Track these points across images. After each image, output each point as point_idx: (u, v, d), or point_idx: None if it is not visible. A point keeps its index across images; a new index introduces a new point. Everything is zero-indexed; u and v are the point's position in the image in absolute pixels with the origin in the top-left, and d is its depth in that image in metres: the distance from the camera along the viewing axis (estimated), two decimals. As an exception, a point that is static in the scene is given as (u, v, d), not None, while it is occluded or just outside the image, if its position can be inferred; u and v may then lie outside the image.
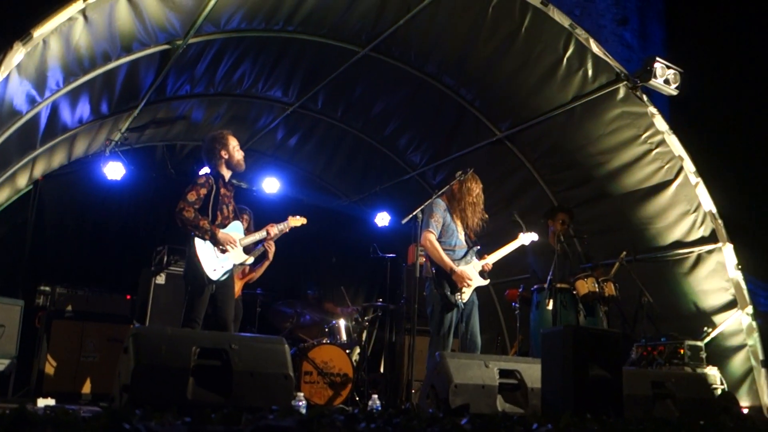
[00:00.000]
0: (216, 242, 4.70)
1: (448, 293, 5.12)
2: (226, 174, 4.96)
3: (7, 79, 4.04)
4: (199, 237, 4.68)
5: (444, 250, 5.21)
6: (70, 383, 6.43)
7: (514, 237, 5.66)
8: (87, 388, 6.49)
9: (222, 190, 4.88)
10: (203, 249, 4.69)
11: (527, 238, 5.67)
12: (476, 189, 5.36)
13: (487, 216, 5.41)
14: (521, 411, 4.09)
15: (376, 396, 4.78)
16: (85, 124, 6.52)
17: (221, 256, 4.73)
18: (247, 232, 6.02)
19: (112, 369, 6.40)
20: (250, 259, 5.06)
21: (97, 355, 6.60)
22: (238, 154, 4.98)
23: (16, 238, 7.64)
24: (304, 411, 3.88)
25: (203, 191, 4.77)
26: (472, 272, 5.24)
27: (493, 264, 5.41)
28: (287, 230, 5.26)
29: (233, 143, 4.98)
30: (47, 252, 7.71)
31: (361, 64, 6.84)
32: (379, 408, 4.57)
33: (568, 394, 3.60)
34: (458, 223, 5.35)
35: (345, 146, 8.78)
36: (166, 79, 6.58)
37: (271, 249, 5.86)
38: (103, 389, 6.48)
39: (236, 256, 4.84)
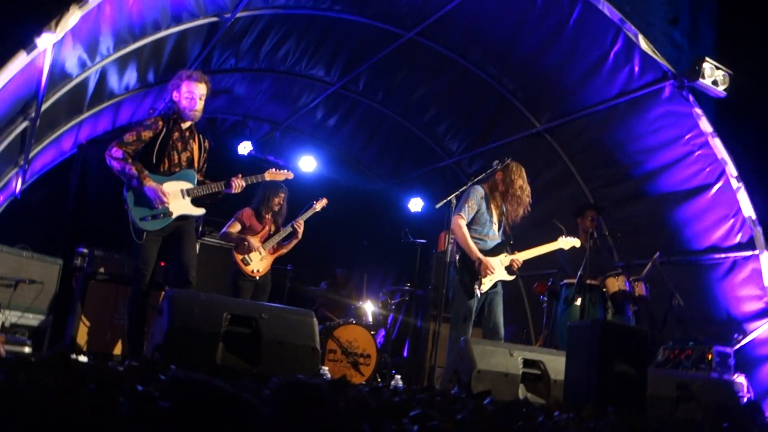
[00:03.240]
0: (141, 191, 4.33)
1: (467, 281, 4.97)
2: (185, 121, 4.57)
3: (62, 41, 4.15)
4: (126, 182, 4.38)
5: (474, 238, 5.05)
6: (102, 343, 6.58)
7: (552, 238, 5.44)
8: (118, 349, 6.65)
9: (175, 134, 4.51)
10: (135, 196, 4.39)
11: (567, 243, 5.44)
12: (519, 181, 5.12)
13: (530, 209, 5.21)
14: (542, 401, 4.11)
15: (399, 377, 4.83)
16: (131, 91, 6.65)
17: (156, 207, 4.39)
18: (279, 211, 6.08)
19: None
20: (200, 211, 4.62)
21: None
22: (186, 101, 4.49)
23: (58, 200, 7.85)
24: (328, 384, 3.94)
25: (147, 133, 4.42)
26: (498, 265, 5.03)
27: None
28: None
29: (187, 88, 4.50)
30: (88, 214, 7.90)
31: (405, 48, 6.85)
32: (402, 387, 4.62)
33: (591, 388, 3.60)
34: (495, 213, 5.17)
35: (383, 129, 8.81)
36: (212, 52, 6.67)
37: (300, 228, 5.92)
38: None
39: (180, 206, 4.48)
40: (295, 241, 6.16)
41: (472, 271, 4.98)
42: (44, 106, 4.97)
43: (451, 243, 5.31)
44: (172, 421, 1.30)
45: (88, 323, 6.57)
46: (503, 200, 5.16)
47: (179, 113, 4.52)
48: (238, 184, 4.69)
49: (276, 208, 6.12)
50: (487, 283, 4.98)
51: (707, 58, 5.53)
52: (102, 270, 6.73)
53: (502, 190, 5.15)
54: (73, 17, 4.06)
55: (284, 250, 6.31)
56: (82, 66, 5.21)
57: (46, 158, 6.99)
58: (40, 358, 2.11)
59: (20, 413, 1.24)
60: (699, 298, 6.45)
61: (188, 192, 4.52)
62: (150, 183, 4.34)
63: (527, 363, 4.25)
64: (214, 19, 5.76)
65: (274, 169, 5.19)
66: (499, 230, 5.22)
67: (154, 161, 4.43)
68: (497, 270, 5.03)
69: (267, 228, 6.11)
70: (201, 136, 4.77)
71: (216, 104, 8.37)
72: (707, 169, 6.22)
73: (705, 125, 6.01)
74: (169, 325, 3.48)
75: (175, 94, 4.51)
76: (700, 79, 5.55)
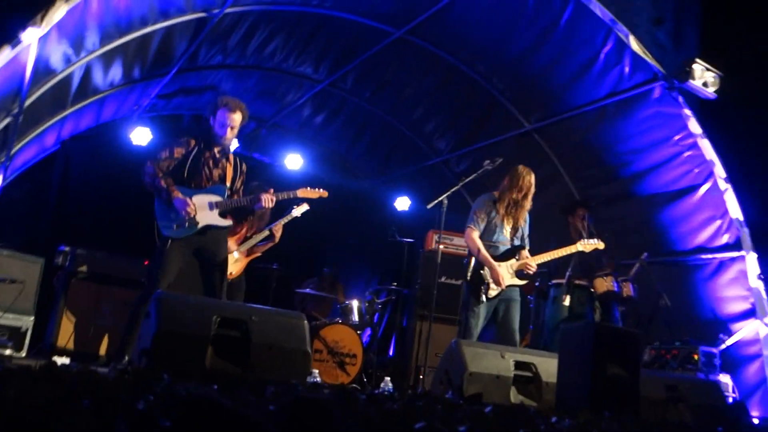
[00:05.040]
0: (170, 203, 4.52)
1: (476, 286, 5.03)
2: (214, 142, 4.71)
3: (47, 35, 4.05)
4: (156, 195, 4.58)
5: (486, 245, 5.09)
6: (84, 344, 6.48)
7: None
8: (101, 350, 6.55)
9: (206, 153, 4.69)
10: (162, 207, 4.58)
11: (588, 245, 5.34)
12: (525, 184, 5.14)
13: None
14: (534, 404, 4.09)
15: (388, 378, 4.79)
16: (115, 87, 6.54)
17: (183, 216, 4.54)
18: (263, 215, 5.98)
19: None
20: (226, 222, 4.73)
21: (111, 318, 6.63)
22: (218, 128, 4.66)
23: (40, 197, 7.71)
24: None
25: (179, 150, 4.63)
26: (506, 271, 5.07)
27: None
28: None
29: (221, 116, 4.66)
30: (70, 212, 7.78)
31: (395, 47, 6.81)
32: (392, 390, 4.58)
33: (584, 391, 3.58)
34: (506, 218, 5.18)
35: (371, 128, 8.76)
36: (200, 48, 6.59)
37: (278, 233, 5.85)
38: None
39: (206, 217, 4.61)
40: (270, 245, 6.07)
41: (481, 277, 5.01)
42: (27, 102, 4.87)
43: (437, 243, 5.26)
44: (173, 440, 1.24)
45: (69, 323, 6.47)
46: (515, 205, 5.15)
47: (211, 137, 4.69)
48: (269, 199, 4.73)
49: (259, 211, 6.04)
50: (496, 288, 5.00)
51: (698, 60, 5.53)
52: (84, 269, 6.62)
53: (513, 196, 5.14)
54: (59, 11, 3.98)
55: (258, 253, 6.21)
56: (67, 61, 5.12)
57: (27, 155, 6.86)
58: (26, 367, 2.04)
59: (13, 433, 1.18)
60: (685, 298, 6.48)
61: (216, 204, 4.65)
62: (178, 195, 4.52)
63: (519, 365, 4.23)
64: (202, 14, 5.69)
65: (308, 188, 5.13)
66: (514, 235, 5.21)
67: (185, 176, 4.62)
68: (506, 275, 5.05)
69: (245, 230, 6.01)
70: (238, 158, 4.92)
71: (202, 101, 8.27)
72: (695, 170, 6.23)
73: (694, 126, 6.02)
74: (157, 328, 3.41)
75: (210, 118, 4.70)
76: (691, 81, 5.55)
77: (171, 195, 4.51)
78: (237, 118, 4.69)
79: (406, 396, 2.44)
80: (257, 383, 2.30)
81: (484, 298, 4.98)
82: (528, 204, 5.14)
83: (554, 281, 5.97)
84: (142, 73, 6.55)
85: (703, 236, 6.41)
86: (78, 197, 7.88)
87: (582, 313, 5.71)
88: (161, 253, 4.56)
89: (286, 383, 2.70)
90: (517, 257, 5.13)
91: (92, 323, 6.51)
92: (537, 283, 6.55)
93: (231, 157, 4.84)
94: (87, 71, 5.70)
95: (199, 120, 8.79)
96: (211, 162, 4.71)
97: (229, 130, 4.66)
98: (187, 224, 4.55)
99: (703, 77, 5.56)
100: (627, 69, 6.00)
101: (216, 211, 4.64)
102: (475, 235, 5.11)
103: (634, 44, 5.78)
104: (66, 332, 6.41)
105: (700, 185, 6.25)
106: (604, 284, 5.80)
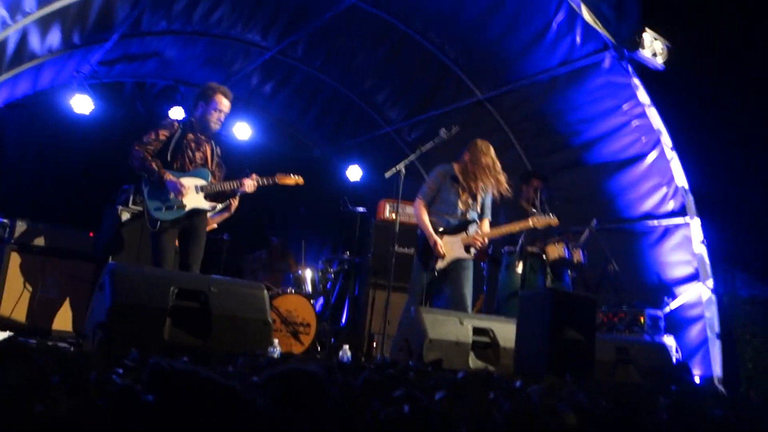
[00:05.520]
0: (161, 184, 4.64)
1: (424, 257, 5.07)
2: (203, 127, 4.88)
3: (-18, -4, 3.81)
4: (146, 177, 4.68)
5: (435, 216, 5.10)
6: (27, 317, 6.28)
7: (522, 217, 5.38)
8: (45, 323, 6.35)
9: (189, 135, 4.83)
10: (152, 189, 4.68)
11: (541, 221, 5.32)
12: (486, 158, 5.12)
13: (507, 184, 5.16)
14: (492, 368, 4.16)
15: (347, 347, 4.80)
16: (54, 53, 6.23)
17: (172, 198, 4.68)
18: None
19: (72, 305, 6.30)
20: (211, 205, 4.89)
21: (56, 290, 6.43)
22: (215, 116, 4.84)
23: (-26, 167, 7.37)
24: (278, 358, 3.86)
25: (164, 133, 4.76)
26: (453, 245, 5.03)
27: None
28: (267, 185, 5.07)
29: (219, 104, 4.85)
30: (8, 183, 7.46)
31: (347, 14, 6.69)
32: (350, 359, 4.59)
33: (543, 355, 3.66)
34: (462, 192, 5.15)
35: (321, 97, 8.64)
36: (143, 13, 6.34)
37: (234, 203, 5.75)
38: (62, 326, 6.36)
39: (193, 200, 4.76)
40: (227, 215, 5.98)
41: (428, 248, 5.03)
42: (-40, 68, 4.61)
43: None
44: (158, 415, 1.20)
45: (11, 297, 6.23)
46: (472, 179, 5.12)
47: (201, 123, 4.86)
48: (251, 184, 4.92)
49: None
50: (442, 262, 5.01)
51: (647, 29, 5.60)
52: (26, 241, 6.38)
53: (471, 170, 5.11)
54: (-5, -30, 3.73)
55: (215, 225, 6.11)
56: (2, 25, 4.84)
57: (-40, 123, 6.52)
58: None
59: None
60: (632, 263, 6.68)
61: (202, 188, 4.80)
62: (170, 177, 4.65)
63: (477, 331, 4.28)
64: (146, -23, 5.45)
65: (286, 175, 5.16)
66: (469, 209, 5.17)
67: (168, 159, 4.74)
68: (454, 248, 5.04)
69: None
70: (213, 141, 5.03)
71: (146, 68, 8.00)
72: (643, 139, 6.38)
73: (643, 96, 6.14)
74: (112, 301, 3.30)
75: (201, 103, 4.85)
76: (640, 50, 5.63)
77: (163, 177, 4.63)
78: (229, 104, 4.93)
79: (366, 363, 2.43)
80: (225, 355, 2.25)
81: (435, 268, 5.01)
82: (488, 178, 5.09)
83: (507, 248, 6.05)
84: (82, 39, 6.26)
85: (649, 203, 6.59)
86: (15, 167, 7.56)
87: (535, 281, 5.81)
88: (155, 239, 4.68)
89: (251, 354, 2.65)
90: (467, 231, 5.12)
91: (36, 296, 6.30)
92: (489, 251, 6.62)
93: (210, 139, 4.98)
94: (23, 35, 5.40)
95: (142, 87, 8.52)
96: (192, 144, 4.84)
97: (222, 116, 4.88)
98: (175, 207, 4.69)
99: (653, 47, 5.66)
100: (578, 39, 6.05)
101: (201, 194, 4.79)
102: (421, 204, 5.12)
103: (585, 14, 5.82)
104: (8, 305, 6.18)
105: (647, 153, 6.41)
106: (555, 251, 5.90)
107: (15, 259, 6.30)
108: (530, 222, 5.29)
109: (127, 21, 6.24)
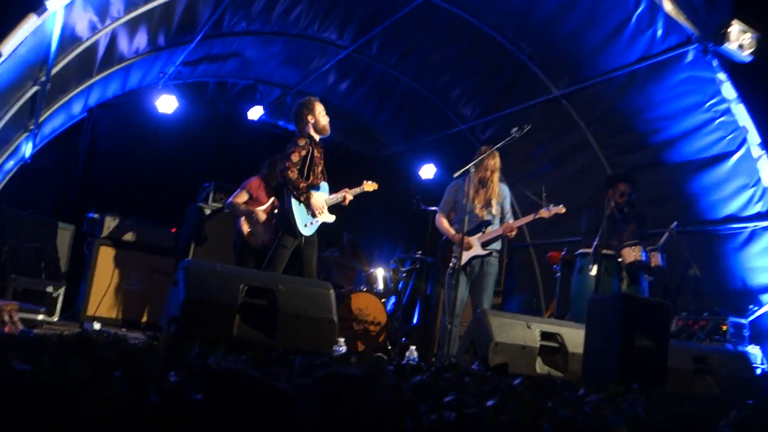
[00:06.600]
0: (308, 206, 5.02)
1: (444, 257, 5.47)
2: (316, 137, 5.17)
3: (72, 3, 4.03)
4: (294, 197, 4.98)
5: (457, 223, 5.43)
6: (113, 309, 6.61)
7: (571, 202, 5.61)
8: (129, 315, 6.66)
9: (315, 153, 5.12)
10: (298, 206, 5.03)
11: (551, 213, 5.52)
12: (489, 165, 5.45)
13: (495, 193, 5.49)
14: (560, 375, 4.08)
15: (413, 347, 4.81)
16: (141, 54, 6.53)
17: (310, 216, 5.07)
18: None
19: (153, 299, 6.59)
20: (333, 218, 5.27)
21: (139, 284, 6.74)
22: (324, 119, 5.15)
23: (68, 165, 7.79)
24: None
25: (303, 152, 5.04)
26: (470, 242, 5.40)
27: (533, 224, 5.59)
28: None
29: (319, 109, 5.15)
30: (97, 179, 7.86)
31: (421, 11, 6.68)
32: (417, 359, 4.60)
33: (612, 362, 3.56)
34: (476, 197, 5.45)
35: (396, 94, 8.67)
36: (224, 14, 6.53)
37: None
38: (142, 317, 6.67)
39: (324, 216, 5.18)
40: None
41: (449, 247, 5.47)
42: (54, 70, 4.88)
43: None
44: (206, 413, 1.25)
45: (99, 289, 6.57)
46: (483, 184, 5.47)
47: (318, 131, 5.15)
48: (348, 198, 5.41)
49: None
50: (465, 254, 5.33)
51: (736, 21, 5.30)
52: (114, 236, 6.71)
53: (481, 176, 5.45)
54: (83, -21, 3.95)
55: None
56: (93, 29, 5.11)
57: (55, 123, 6.92)
58: (61, 336, 2.07)
59: (48, 405, 1.19)
60: (715, 268, 6.37)
61: (326, 202, 5.21)
62: (313, 198, 5.04)
63: (545, 336, 4.22)
64: (226, -20, 5.62)
65: (369, 182, 5.72)
66: (486, 211, 5.50)
67: (304, 176, 5.06)
68: (474, 246, 5.42)
69: (274, 200, 6.03)
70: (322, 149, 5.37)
71: (227, 68, 8.24)
72: (728, 137, 6.07)
73: (728, 91, 5.83)
74: (185, 296, 3.44)
75: (310, 116, 5.12)
76: (726, 43, 5.35)
77: (309, 197, 5.01)
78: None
79: (435, 369, 2.44)
80: (285, 353, 2.31)
81: (452, 264, 5.30)
82: (495, 182, 5.46)
83: (581, 251, 5.90)
84: (167, 41, 6.53)
85: (734, 205, 6.27)
86: (105, 164, 7.96)
87: (610, 285, 5.65)
88: (281, 250, 5.02)
89: (313, 353, 2.71)
90: (483, 230, 5.46)
91: (121, 289, 6.63)
92: (564, 252, 6.49)
93: (321, 149, 5.29)
94: (112, 39, 5.69)
95: (224, 87, 8.79)
96: (317, 160, 5.17)
97: (328, 119, 5.21)
98: (313, 223, 5.10)
99: (740, 39, 5.35)
100: (660, 32, 5.81)
101: (326, 208, 5.19)
102: (441, 217, 5.63)
103: (667, 5, 5.58)
104: (96, 297, 6.53)
105: (733, 153, 6.08)
106: (632, 254, 5.71)
107: (104, 253, 6.65)
108: (540, 212, 5.52)
109: (209, 22, 6.46)
